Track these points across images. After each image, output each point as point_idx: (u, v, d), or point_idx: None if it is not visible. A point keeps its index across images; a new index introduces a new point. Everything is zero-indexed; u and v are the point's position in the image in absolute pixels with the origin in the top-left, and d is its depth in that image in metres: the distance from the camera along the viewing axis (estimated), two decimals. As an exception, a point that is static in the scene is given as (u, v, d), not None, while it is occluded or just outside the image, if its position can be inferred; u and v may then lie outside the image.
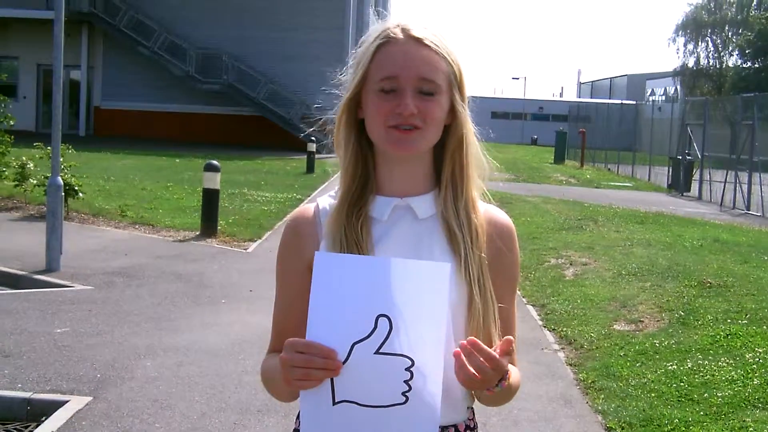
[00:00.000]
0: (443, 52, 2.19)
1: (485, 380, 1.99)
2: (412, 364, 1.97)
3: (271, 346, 2.36)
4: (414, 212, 2.25)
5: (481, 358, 1.97)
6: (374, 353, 1.96)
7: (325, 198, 2.35)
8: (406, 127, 2.15)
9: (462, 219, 2.25)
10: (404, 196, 2.26)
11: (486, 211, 2.34)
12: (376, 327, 1.96)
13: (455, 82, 2.23)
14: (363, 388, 1.98)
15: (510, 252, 2.30)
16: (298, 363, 1.95)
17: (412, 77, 2.15)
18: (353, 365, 1.96)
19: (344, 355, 1.96)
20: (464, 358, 1.98)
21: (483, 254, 2.23)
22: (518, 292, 11.48)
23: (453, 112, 2.23)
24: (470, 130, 2.29)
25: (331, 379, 1.98)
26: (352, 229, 2.20)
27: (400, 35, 2.18)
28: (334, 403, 1.99)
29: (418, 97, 2.15)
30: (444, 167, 2.27)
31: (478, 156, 2.32)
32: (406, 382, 1.97)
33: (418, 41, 2.17)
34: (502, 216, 2.38)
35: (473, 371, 1.97)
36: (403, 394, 1.97)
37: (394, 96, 2.15)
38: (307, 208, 2.35)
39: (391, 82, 2.15)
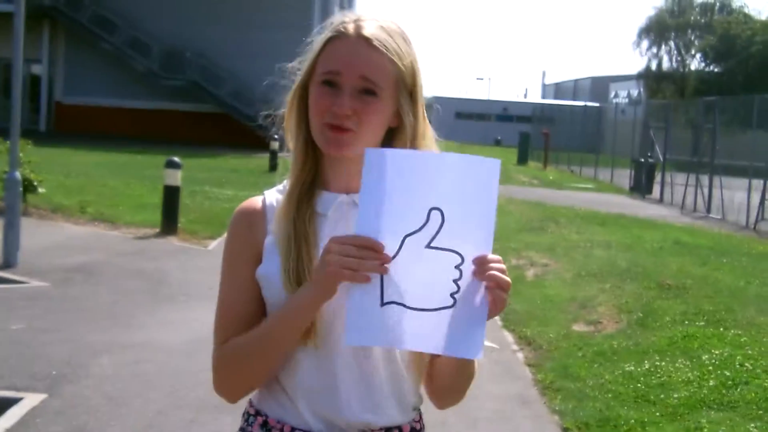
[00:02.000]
0: (392, 55, 2.15)
1: (507, 287, 1.99)
2: (462, 262, 1.95)
3: (222, 336, 2.29)
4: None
5: (492, 265, 1.97)
6: (425, 246, 1.93)
7: (272, 192, 2.32)
8: (340, 124, 2.12)
9: None
10: (349, 191, 2.22)
11: None
12: (428, 220, 1.93)
13: (404, 86, 2.18)
14: (412, 287, 1.93)
15: None
16: (350, 252, 1.91)
17: (354, 76, 2.12)
18: (404, 260, 1.93)
19: (395, 247, 1.92)
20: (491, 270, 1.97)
21: None
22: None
23: (399, 116, 2.20)
24: (422, 133, 2.24)
25: (381, 278, 1.93)
26: (301, 222, 2.18)
27: (351, 31, 2.15)
28: (383, 304, 1.94)
29: (357, 98, 2.12)
30: None
31: None
32: (455, 281, 1.94)
33: (367, 40, 2.14)
34: None
35: (503, 277, 1.97)
36: (452, 295, 1.94)
37: (333, 92, 2.13)
38: (254, 200, 2.32)
39: (332, 76, 2.13)
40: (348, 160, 2.20)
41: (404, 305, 1.93)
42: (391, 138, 2.22)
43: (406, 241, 1.93)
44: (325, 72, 2.14)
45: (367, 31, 2.15)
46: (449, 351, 1.96)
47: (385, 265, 1.91)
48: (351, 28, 2.16)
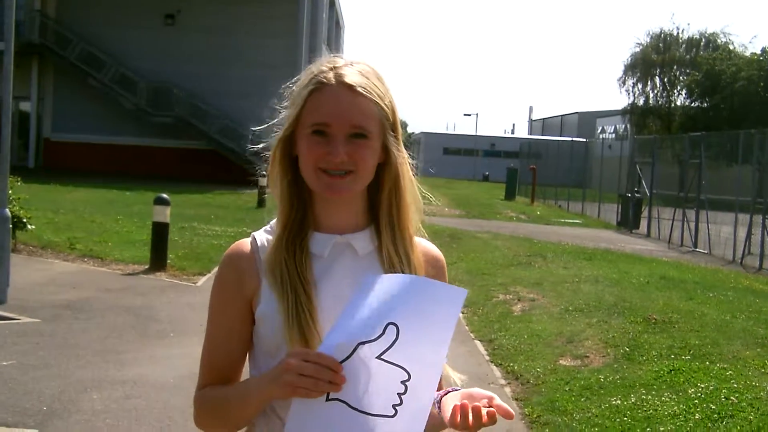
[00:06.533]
0: (375, 97, 2.22)
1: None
2: (408, 378, 2.00)
3: (205, 380, 2.37)
4: (354, 249, 2.29)
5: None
6: (376, 357, 1.99)
7: (261, 233, 2.37)
8: (337, 172, 2.19)
9: (401, 254, 2.30)
10: (342, 232, 2.29)
11: (418, 243, 2.40)
12: (383, 333, 1.99)
13: (387, 124, 2.27)
14: (357, 390, 1.99)
15: None
16: (307, 372, 1.96)
17: (344, 125, 2.19)
18: (353, 364, 1.99)
19: (348, 351, 1.98)
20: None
21: None
22: (466, 327, 11.58)
23: (386, 151, 2.28)
24: (406, 168, 2.33)
25: None
26: (294, 265, 2.23)
27: (333, 81, 2.21)
28: (327, 399, 2.00)
29: (349, 143, 2.19)
30: (380, 205, 2.32)
31: (414, 192, 2.36)
32: (398, 394, 2.00)
33: (350, 88, 2.20)
34: (434, 249, 2.45)
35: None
36: (393, 406, 2.01)
37: (325, 141, 2.19)
38: (243, 242, 2.37)
39: (322, 127, 2.19)
40: (340, 200, 2.28)
41: (347, 404, 2.01)
42: (378, 174, 2.30)
43: (358, 347, 1.99)
44: (315, 124, 2.20)
45: (348, 78, 2.22)
46: None
47: (337, 382, 1.98)
48: (331, 76, 2.23)
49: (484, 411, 1.98)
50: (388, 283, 2.05)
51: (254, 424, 2.33)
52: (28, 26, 40.53)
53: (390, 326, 2.00)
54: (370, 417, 2.01)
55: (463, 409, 2.01)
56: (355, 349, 1.99)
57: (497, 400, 2.00)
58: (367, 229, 2.33)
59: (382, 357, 2.00)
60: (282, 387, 2.02)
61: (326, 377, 1.96)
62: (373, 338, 1.99)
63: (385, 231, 2.31)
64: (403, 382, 2.01)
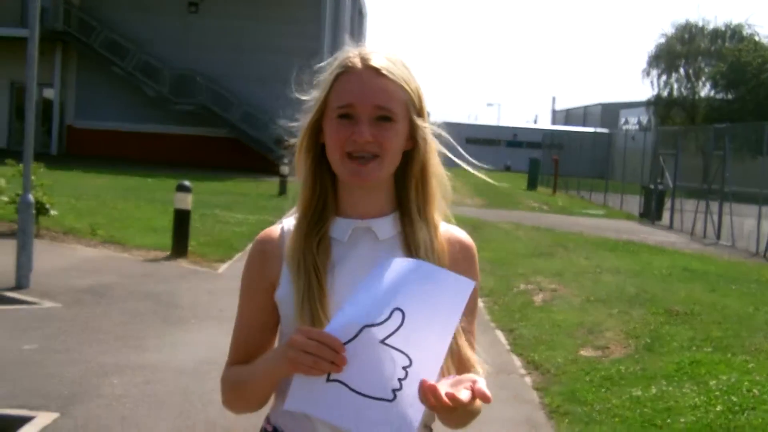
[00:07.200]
0: (400, 81, 2.24)
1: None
2: (410, 365, 2.01)
3: (232, 359, 2.42)
4: (374, 234, 2.30)
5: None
6: (380, 341, 2.00)
7: (291, 219, 2.39)
8: (363, 155, 2.20)
9: (424, 240, 2.29)
10: (365, 217, 2.30)
11: (447, 231, 2.39)
12: (389, 318, 2.00)
13: (414, 109, 2.27)
14: (358, 373, 2.01)
15: (471, 272, 2.31)
16: (310, 349, 1.98)
17: (369, 106, 2.20)
18: (356, 347, 2.00)
19: (352, 333, 2.00)
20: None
21: None
22: (487, 317, 11.56)
23: (413, 138, 2.29)
24: (434, 155, 2.33)
25: None
26: (310, 251, 2.25)
27: (359, 64, 2.24)
28: (328, 380, 2.02)
29: (374, 125, 2.20)
30: (407, 192, 2.32)
31: (442, 180, 2.37)
32: (399, 380, 2.01)
33: (376, 70, 2.22)
34: (463, 236, 2.43)
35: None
36: (393, 391, 2.02)
37: (351, 123, 2.21)
38: (273, 229, 2.40)
39: (348, 109, 2.21)
40: (361, 189, 2.29)
41: (347, 385, 2.02)
42: (405, 161, 2.30)
43: (363, 330, 2.00)
44: (340, 106, 2.22)
45: (374, 61, 2.24)
46: None
47: (339, 363, 1.99)
48: (357, 61, 2.25)
49: (442, 391, 1.95)
50: (397, 267, 2.05)
51: (280, 418, 2.34)
52: (52, 13, 40.58)
53: (396, 311, 2.01)
54: (368, 400, 2.03)
55: (431, 389, 1.99)
56: (360, 332, 2.00)
57: (479, 384, 1.98)
58: (390, 215, 2.33)
59: (385, 341, 2.01)
60: (285, 362, 2.05)
61: (328, 356, 1.98)
62: (378, 322, 2.01)
63: (409, 217, 2.31)
64: (404, 368, 2.02)
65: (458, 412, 2.01)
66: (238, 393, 2.36)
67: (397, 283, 2.03)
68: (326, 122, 2.26)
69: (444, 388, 1.98)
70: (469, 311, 2.25)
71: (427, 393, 1.95)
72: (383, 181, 2.30)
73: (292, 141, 2.38)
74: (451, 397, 1.94)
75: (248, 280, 2.39)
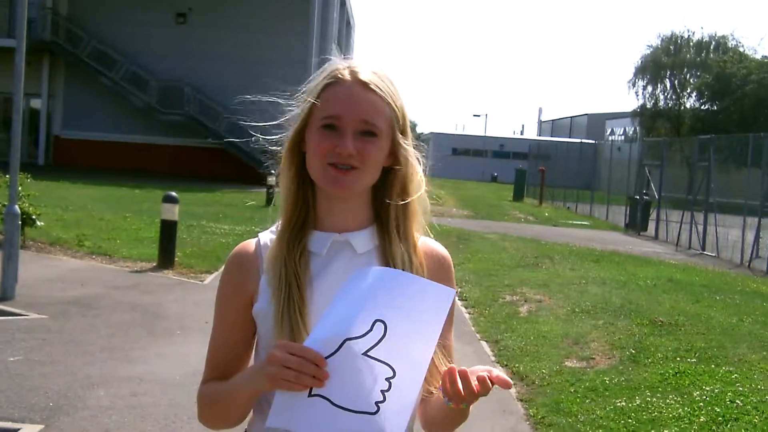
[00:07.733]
0: (387, 97, 2.25)
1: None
2: (393, 376, 2.01)
3: (208, 375, 2.41)
4: (352, 247, 2.30)
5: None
6: (362, 354, 2.00)
7: (266, 233, 2.39)
8: (344, 166, 2.21)
9: (402, 254, 2.30)
10: (343, 231, 2.31)
11: (424, 243, 2.40)
12: (371, 330, 2.00)
13: (397, 126, 2.29)
14: (341, 387, 2.00)
15: (448, 283, 2.31)
16: (290, 364, 1.97)
17: (355, 119, 2.21)
18: (338, 361, 1.99)
19: (334, 347, 1.99)
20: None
21: None
22: (472, 328, 11.60)
23: (394, 154, 2.30)
24: (414, 171, 2.34)
25: None
26: (291, 263, 2.25)
27: (348, 77, 2.25)
28: (309, 395, 2.01)
29: (358, 138, 2.21)
30: (386, 206, 2.33)
31: (422, 197, 2.37)
32: (382, 392, 2.00)
33: (364, 84, 2.24)
34: (438, 247, 2.44)
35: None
36: (376, 403, 2.01)
37: (335, 134, 2.21)
38: (248, 243, 2.41)
39: (333, 120, 2.22)
40: (343, 199, 2.29)
41: (329, 400, 2.01)
42: (385, 178, 2.32)
43: (345, 343, 2.00)
44: (326, 116, 2.23)
45: (363, 75, 2.26)
46: None
47: (320, 377, 1.99)
48: (347, 73, 2.26)
49: (473, 377, 1.99)
50: (376, 277, 2.06)
51: (253, 422, 2.36)
52: (40, 24, 40.61)
53: (378, 323, 2.01)
54: (351, 414, 2.01)
55: (450, 374, 2.04)
56: (341, 345, 2.00)
57: (495, 372, 2.02)
58: (368, 228, 2.34)
59: (368, 354, 2.01)
60: (265, 378, 2.04)
61: (309, 371, 1.97)
62: (360, 335, 2.00)
63: (387, 231, 2.32)
64: (387, 380, 2.01)
65: (462, 412, 2.09)
66: (215, 410, 2.34)
67: (377, 293, 2.03)
68: (309, 131, 2.27)
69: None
70: (447, 322, 2.25)
71: (458, 378, 2.00)
72: (361, 194, 2.31)
73: (277, 149, 2.40)
74: (482, 380, 1.99)
75: (225, 294, 2.38)
